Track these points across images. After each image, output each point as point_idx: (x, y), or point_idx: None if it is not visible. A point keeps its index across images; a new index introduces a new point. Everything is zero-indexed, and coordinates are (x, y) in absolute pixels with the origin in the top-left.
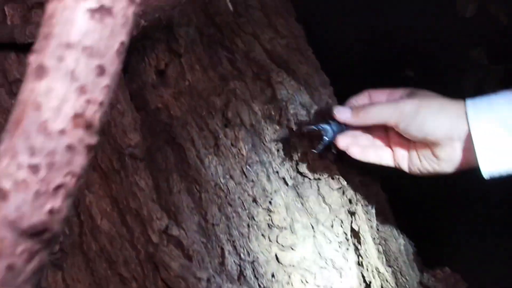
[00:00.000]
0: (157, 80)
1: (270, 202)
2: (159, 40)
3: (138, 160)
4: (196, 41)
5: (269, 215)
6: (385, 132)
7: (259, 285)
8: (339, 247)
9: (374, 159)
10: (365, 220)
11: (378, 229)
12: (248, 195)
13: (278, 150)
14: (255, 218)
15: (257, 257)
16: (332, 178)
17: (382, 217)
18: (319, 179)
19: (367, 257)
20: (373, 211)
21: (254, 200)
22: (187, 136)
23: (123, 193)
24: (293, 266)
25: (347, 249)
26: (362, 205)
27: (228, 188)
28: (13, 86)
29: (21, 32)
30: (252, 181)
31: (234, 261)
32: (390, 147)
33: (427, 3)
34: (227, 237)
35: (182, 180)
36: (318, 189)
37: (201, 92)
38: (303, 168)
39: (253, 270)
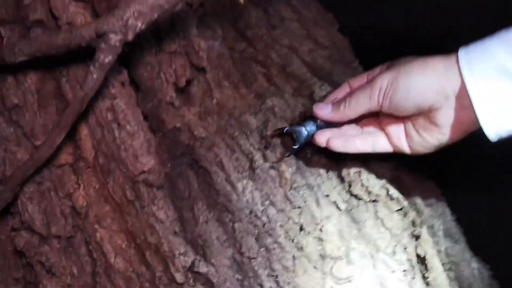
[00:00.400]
0: (177, 99)
1: (320, 230)
2: (176, 53)
3: (155, 188)
4: (224, 56)
5: (321, 245)
6: (375, 116)
7: None
8: (404, 276)
9: (365, 148)
10: (432, 244)
11: (447, 253)
12: (294, 223)
13: (327, 171)
14: (304, 249)
15: None
16: (391, 199)
17: (451, 239)
18: (375, 200)
19: (437, 285)
20: (441, 233)
21: (302, 228)
22: (213, 158)
23: (140, 227)
24: None
25: (413, 278)
26: (427, 227)
27: (268, 216)
28: (12, 113)
29: (10, 50)
30: (299, 207)
31: None
32: (384, 130)
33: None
34: (268, 272)
35: (210, 208)
36: (376, 212)
37: (231, 110)
38: (356, 189)
39: None
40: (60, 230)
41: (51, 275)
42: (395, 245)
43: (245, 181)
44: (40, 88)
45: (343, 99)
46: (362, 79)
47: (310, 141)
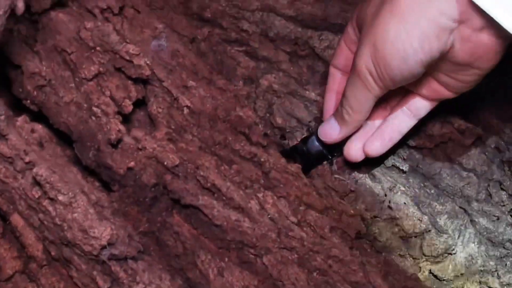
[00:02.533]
0: (131, 130)
1: (389, 207)
2: (103, 74)
3: (132, 260)
4: (179, 52)
5: (397, 225)
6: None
7: None
8: None
9: (408, 123)
10: None
11: None
12: (349, 215)
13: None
14: (379, 239)
15: None
16: (461, 132)
17: None
18: (442, 142)
19: None
20: None
21: (363, 218)
22: (199, 186)
23: None
24: None
25: None
26: None
27: (309, 224)
28: None
29: None
30: (352, 191)
31: None
32: (415, 92)
33: None
34: None
35: (220, 254)
36: (449, 156)
37: (213, 113)
38: (413, 138)
39: None
40: None
41: None
42: (487, 186)
43: (260, 195)
44: None
45: (342, 106)
46: (343, 52)
47: (321, 160)
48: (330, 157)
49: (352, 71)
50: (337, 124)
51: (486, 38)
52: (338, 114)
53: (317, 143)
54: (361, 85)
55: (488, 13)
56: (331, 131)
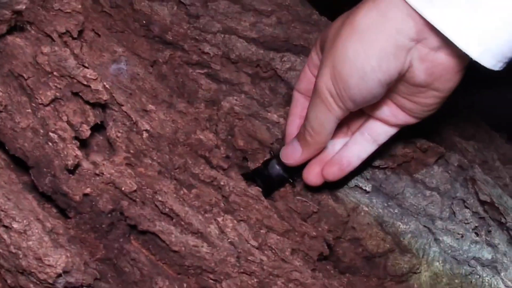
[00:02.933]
0: (88, 156)
1: (353, 227)
2: (60, 99)
3: None
4: (139, 75)
5: (361, 245)
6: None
7: None
8: (477, 234)
9: (367, 149)
10: (493, 182)
11: None
12: (312, 237)
13: None
14: (342, 259)
15: None
16: (423, 151)
17: None
18: (405, 162)
19: None
20: (498, 163)
21: (328, 244)
22: (157, 212)
23: None
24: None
25: (489, 231)
26: (479, 164)
27: (271, 248)
28: None
29: None
30: (314, 212)
31: None
32: (374, 117)
33: None
34: None
35: (178, 280)
36: (412, 175)
37: (172, 136)
38: (376, 159)
39: None
40: None
41: None
42: (451, 204)
43: (220, 219)
44: None
45: (304, 128)
46: (306, 77)
47: (282, 183)
48: (291, 180)
49: (313, 92)
50: (299, 146)
51: (443, 58)
52: (301, 136)
53: (277, 167)
54: (322, 106)
55: (443, 32)
56: (293, 153)
